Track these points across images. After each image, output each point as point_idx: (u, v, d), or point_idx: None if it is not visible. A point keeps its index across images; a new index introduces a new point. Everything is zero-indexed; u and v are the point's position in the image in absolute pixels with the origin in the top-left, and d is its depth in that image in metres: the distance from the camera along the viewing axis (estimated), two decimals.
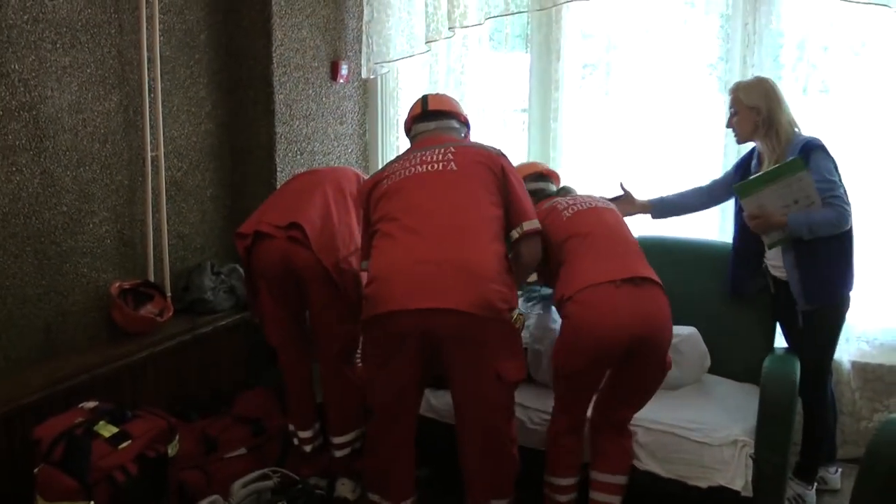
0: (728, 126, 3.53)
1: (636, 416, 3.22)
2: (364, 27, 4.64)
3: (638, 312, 2.97)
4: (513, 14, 4.36)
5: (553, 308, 3.55)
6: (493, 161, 3.08)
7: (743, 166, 3.62)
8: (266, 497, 3.36)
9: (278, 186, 4.17)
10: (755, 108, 3.41)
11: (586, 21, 4.45)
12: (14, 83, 3.22)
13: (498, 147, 3.21)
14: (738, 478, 3.09)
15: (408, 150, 3.26)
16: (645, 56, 4.36)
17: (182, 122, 4.05)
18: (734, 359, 3.72)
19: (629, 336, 2.93)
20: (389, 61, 4.63)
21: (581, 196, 3.48)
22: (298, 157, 4.43)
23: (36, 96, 3.31)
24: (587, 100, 4.56)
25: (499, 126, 4.76)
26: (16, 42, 3.21)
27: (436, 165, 3.04)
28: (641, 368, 3.07)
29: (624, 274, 3.03)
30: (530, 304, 3.76)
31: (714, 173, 3.87)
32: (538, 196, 3.46)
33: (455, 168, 3.02)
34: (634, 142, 4.45)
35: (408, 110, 3.42)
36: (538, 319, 3.64)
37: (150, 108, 3.79)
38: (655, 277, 3.10)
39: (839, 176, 3.31)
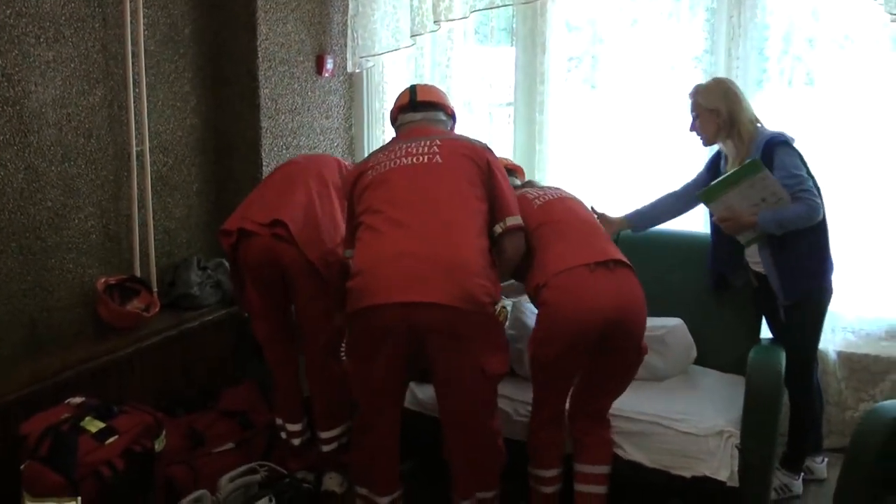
0: (692, 130, 3.52)
1: (622, 406, 3.23)
2: (349, 21, 4.63)
3: (612, 295, 2.98)
4: (498, 7, 4.36)
5: (528, 305, 3.56)
6: (478, 155, 3.08)
7: (713, 167, 3.63)
8: (253, 491, 3.35)
9: None
10: (715, 111, 3.40)
11: (572, 14, 4.46)
12: None
13: (483, 141, 3.21)
14: (724, 468, 3.10)
15: (393, 141, 3.25)
16: (630, 49, 4.38)
17: (167, 116, 4.04)
18: (720, 350, 3.73)
19: (604, 319, 2.93)
20: (375, 55, 4.62)
21: (547, 187, 3.52)
22: (284, 151, 4.42)
23: (20, 91, 3.29)
24: (573, 93, 4.57)
25: (484, 120, 4.76)
26: None
27: (421, 158, 3.03)
28: (618, 353, 3.07)
29: (597, 257, 3.04)
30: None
31: (700, 166, 3.87)
32: None
33: (440, 161, 3.01)
34: (620, 134, 4.47)
35: (394, 100, 3.41)
36: (514, 317, 3.65)
37: (134, 102, 3.78)
38: (627, 260, 3.11)
39: (807, 169, 3.32)
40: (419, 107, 3.30)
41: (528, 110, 4.54)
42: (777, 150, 3.29)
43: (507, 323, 3.24)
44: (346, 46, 4.71)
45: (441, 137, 3.13)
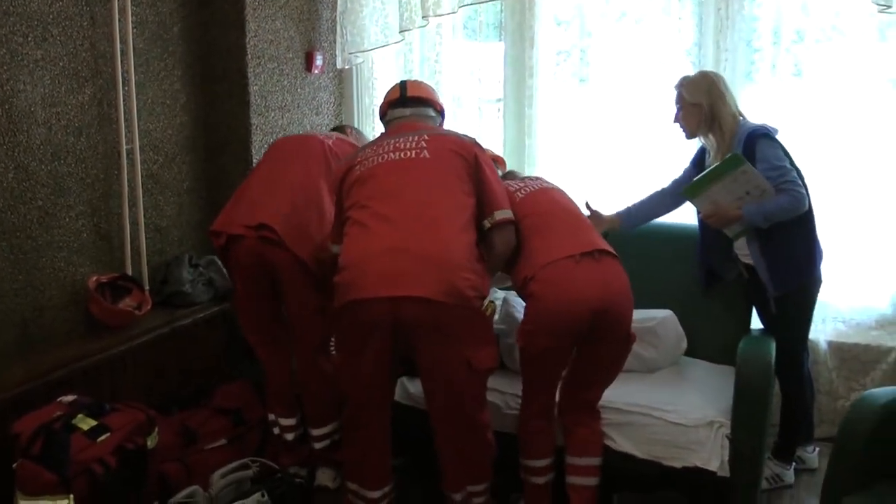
0: (675, 122, 3.54)
1: (612, 397, 3.25)
2: (338, 17, 4.63)
3: (599, 285, 2.99)
4: (486, 2, 4.37)
5: (517, 300, 3.57)
6: (466, 149, 3.08)
7: (699, 162, 3.64)
8: (245, 487, 3.37)
9: None
10: (698, 105, 3.42)
11: (559, 8, 4.47)
12: None
13: (472, 136, 3.21)
14: (714, 458, 3.12)
15: (381, 136, 3.26)
16: (619, 42, 4.38)
17: (157, 114, 4.04)
18: (711, 341, 3.75)
19: (591, 309, 2.95)
20: (364, 51, 4.62)
21: (529, 178, 3.53)
22: None
23: (8, 90, 3.29)
24: (562, 87, 4.57)
25: (474, 115, 4.77)
26: None
27: (409, 153, 3.04)
28: (606, 343, 3.08)
29: (583, 248, 3.05)
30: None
31: (689, 160, 3.88)
32: None
33: (428, 156, 3.02)
34: (610, 128, 4.47)
35: (384, 95, 3.41)
36: (504, 311, 3.66)
37: (124, 101, 3.77)
38: (612, 250, 3.13)
39: (790, 160, 3.33)
40: (409, 102, 3.30)
41: (517, 105, 4.55)
42: (758, 142, 3.30)
43: (496, 318, 3.25)
44: (335, 43, 4.71)
45: (429, 132, 3.14)
